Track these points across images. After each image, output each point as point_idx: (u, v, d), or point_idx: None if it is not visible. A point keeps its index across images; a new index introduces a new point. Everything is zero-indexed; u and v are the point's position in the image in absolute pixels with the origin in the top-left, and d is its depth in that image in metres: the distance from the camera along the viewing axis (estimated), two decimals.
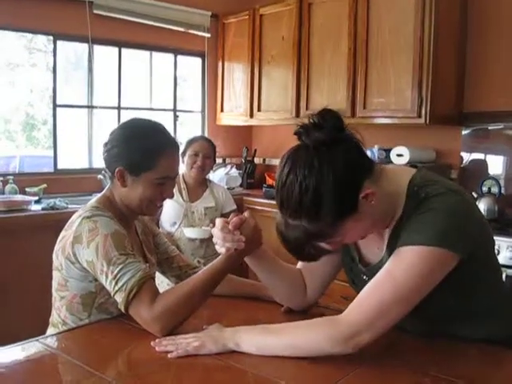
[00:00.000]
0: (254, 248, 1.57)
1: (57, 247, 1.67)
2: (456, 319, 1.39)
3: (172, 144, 1.73)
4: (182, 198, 3.39)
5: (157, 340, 1.39)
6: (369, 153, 3.74)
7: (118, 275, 1.49)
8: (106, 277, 1.51)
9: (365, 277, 1.45)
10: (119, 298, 1.49)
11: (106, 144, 1.72)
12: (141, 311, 1.47)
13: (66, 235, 1.64)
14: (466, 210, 1.31)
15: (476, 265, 1.32)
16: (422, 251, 1.24)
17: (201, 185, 3.51)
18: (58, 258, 1.65)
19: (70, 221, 1.68)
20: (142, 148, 1.65)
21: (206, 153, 3.42)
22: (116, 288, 1.49)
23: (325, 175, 1.19)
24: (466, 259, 1.27)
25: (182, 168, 3.40)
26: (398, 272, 1.25)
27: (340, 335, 1.25)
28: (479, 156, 3.88)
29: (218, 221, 1.52)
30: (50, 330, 1.70)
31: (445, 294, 1.31)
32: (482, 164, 3.85)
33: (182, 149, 3.32)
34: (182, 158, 3.36)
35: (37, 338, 1.43)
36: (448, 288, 1.29)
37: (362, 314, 1.25)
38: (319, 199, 1.20)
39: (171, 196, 1.74)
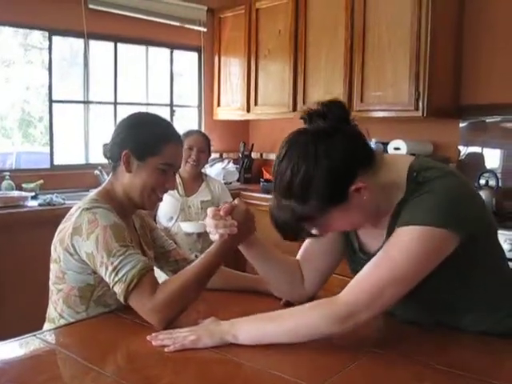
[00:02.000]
0: (247, 233, 1.56)
1: (55, 239, 1.67)
2: (457, 309, 1.39)
3: (178, 136, 1.78)
4: (178, 192, 3.38)
5: (153, 334, 1.38)
6: None
7: (119, 266, 1.50)
8: (106, 268, 1.51)
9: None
10: (119, 289, 1.49)
11: (112, 134, 1.76)
12: (141, 302, 1.48)
13: (64, 227, 1.64)
14: (466, 192, 1.31)
15: (476, 249, 1.31)
16: (420, 231, 1.23)
17: (196, 179, 3.50)
18: (56, 250, 1.64)
19: (69, 213, 1.68)
20: (149, 132, 1.70)
21: (201, 147, 3.42)
22: (116, 279, 1.49)
23: (318, 161, 1.23)
24: (465, 242, 1.26)
25: None
26: (396, 252, 1.25)
27: (337, 315, 1.25)
28: (477, 149, 3.87)
29: (210, 209, 1.53)
30: (47, 325, 1.69)
31: (444, 280, 1.31)
32: (480, 157, 3.85)
33: None
34: None
35: (34, 333, 1.43)
36: (448, 274, 1.29)
37: (359, 293, 1.26)
38: (308, 183, 1.23)
39: (173, 187, 1.76)
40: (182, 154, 1.81)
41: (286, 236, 1.36)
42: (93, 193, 1.74)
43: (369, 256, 1.44)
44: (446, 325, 1.41)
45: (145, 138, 1.69)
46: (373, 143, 3.90)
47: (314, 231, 1.35)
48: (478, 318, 1.39)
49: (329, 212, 1.27)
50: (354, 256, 1.52)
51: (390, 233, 1.33)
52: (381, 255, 1.28)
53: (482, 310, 1.39)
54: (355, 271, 1.49)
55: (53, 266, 1.67)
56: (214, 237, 1.52)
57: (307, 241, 1.63)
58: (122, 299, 1.50)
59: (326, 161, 1.23)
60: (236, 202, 1.57)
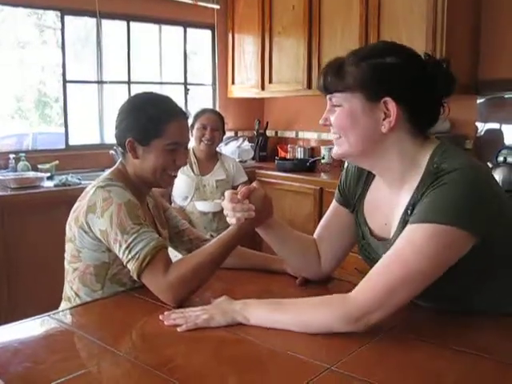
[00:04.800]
0: (264, 217, 1.55)
1: (70, 218, 1.68)
2: (474, 300, 1.35)
3: (178, 112, 1.75)
4: (193, 171, 3.38)
5: (165, 313, 1.38)
6: None
7: (132, 244, 1.51)
8: (120, 245, 1.52)
9: (373, 254, 1.44)
10: (132, 266, 1.51)
11: (116, 121, 1.75)
12: (154, 279, 1.49)
13: (79, 205, 1.65)
14: (483, 188, 1.24)
15: (496, 248, 1.27)
16: (433, 230, 1.19)
17: (211, 158, 3.49)
18: (71, 229, 1.66)
19: (84, 192, 1.69)
20: (148, 116, 1.68)
21: (214, 125, 3.40)
22: (129, 256, 1.51)
23: (405, 60, 1.32)
24: (483, 240, 1.21)
25: (192, 142, 3.38)
26: (408, 252, 1.21)
27: (349, 314, 1.23)
28: (495, 125, 3.81)
29: (227, 193, 1.52)
30: (63, 305, 1.71)
31: (462, 276, 1.27)
32: (498, 133, 3.79)
33: (190, 122, 3.30)
34: (191, 131, 3.34)
35: (49, 314, 1.43)
36: (465, 271, 1.25)
37: (370, 293, 1.22)
38: (381, 58, 1.31)
39: (184, 163, 1.76)
40: (187, 128, 1.79)
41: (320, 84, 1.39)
42: (106, 172, 1.75)
43: (377, 244, 1.43)
44: (463, 309, 1.37)
45: (144, 122, 1.68)
46: None
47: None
48: (497, 306, 1.35)
49: (355, 94, 1.30)
50: (362, 241, 1.51)
51: (402, 225, 1.30)
52: (393, 253, 1.24)
53: (503, 301, 1.35)
54: (368, 258, 1.48)
55: (68, 246, 1.68)
56: (231, 220, 1.51)
57: (324, 220, 1.63)
58: (135, 276, 1.51)
59: (403, 60, 1.30)
60: (254, 185, 1.55)
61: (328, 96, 1.37)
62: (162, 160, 1.69)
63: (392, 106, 1.28)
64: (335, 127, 1.36)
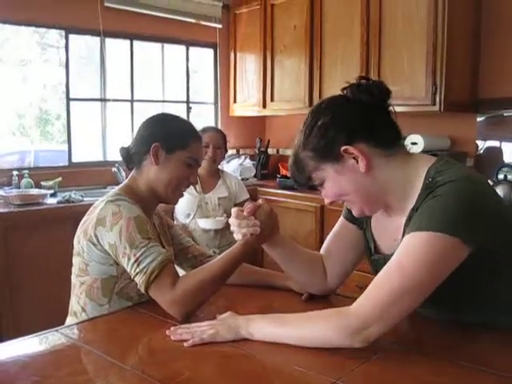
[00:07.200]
0: (270, 233, 1.57)
1: (78, 231, 1.70)
2: (476, 309, 1.36)
3: (199, 135, 1.86)
4: (196, 189, 3.39)
5: (172, 328, 1.40)
6: None
7: (141, 258, 1.53)
8: (129, 259, 1.54)
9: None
10: (140, 280, 1.53)
11: (138, 131, 1.83)
12: (161, 293, 1.51)
13: (88, 219, 1.68)
14: (479, 199, 1.25)
15: (494, 258, 1.28)
16: (430, 237, 1.20)
17: (213, 175, 3.51)
18: (79, 243, 1.68)
19: (92, 206, 1.72)
20: (178, 127, 1.80)
21: (217, 143, 3.42)
22: (138, 270, 1.53)
23: (324, 114, 1.36)
24: (481, 249, 1.22)
25: None
26: (406, 261, 1.22)
27: (349, 328, 1.23)
28: (495, 143, 3.84)
29: (234, 209, 1.54)
30: (69, 319, 1.72)
31: (462, 285, 1.29)
32: (498, 151, 3.82)
33: None
34: None
35: (56, 329, 1.45)
36: (463, 280, 1.26)
37: (370, 305, 1.23)
38: (311, 129, 1.36)
39: (196, 182, 1.83)
40: (203, 153, 1.85)
41: (295, 181, 1.47)
42: (116, 188, 1.79)
43: (383, 258, 1.45)
44: (469, 322, 1.38)
45: (175, 131, 1.78)
46: None
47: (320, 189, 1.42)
48: (496, 318, 1.36)
49: (323, 167, 1.36)
50: (370, 257, 1.53)
51: (403, 237, 1.31)
52: (391, 264, 1.25)
53: (501, 311, 1.36)
54: (374, 272, 1.50)
55: (75, 260, 1.70)
56: (237, 236, 1.53)
57: (332, 235, 1.65)
58: (143, 289, 1.54)
59: (332, 115, 1.35)
60: (260, 202, 1.58)
61: (310, 185, 1.44)
62: (180, 172, 1.75)
63: (351, 149, 1.32)
64: (335, 197, 1.42)
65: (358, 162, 1.32)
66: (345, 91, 1.39)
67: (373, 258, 1.52)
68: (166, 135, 1.75)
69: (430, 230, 1.21)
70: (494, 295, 1.35)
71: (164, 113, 1.92)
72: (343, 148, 1.32)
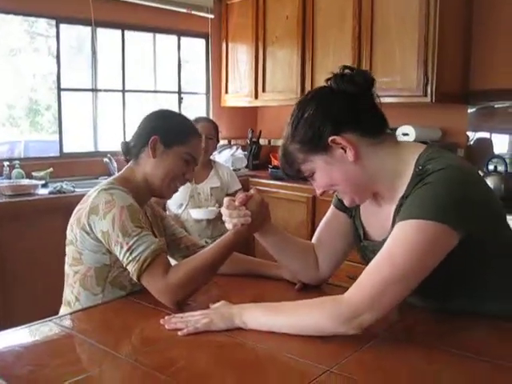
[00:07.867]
0: (261, 223, 1.59)
1: (72, 220, 1.71)
2: (465, 297, 1.38)
3: (199, 133, 1.87)
4: None
5: (166, 318, 1.41)
6: None
7: (133, 246, 1.54)
8: (121, 247, 1.55)
9: (371, 255, 1.46)
10: (132, 268, 1.54)
11: (140, 124, 1.84)
12: (153, 281, 1.53)
13: (81, 208, 1.68)
14: (469, 188, 1.27)
15: (483, 248, 1.30)
16: (420, 225, 1.22)
17: (205, 166, 3.51)
18: (72, 231, 1.68)
19: (86, 195, 1.73)
20: (178, 122, 1.82)
21: (208, 134, 3.42)
22: (130, 258, 1.54)
23: (315, 105, 1.36)
24: (470, 237, 1.24)
25: None
26: (396, 249, 1.23)
27: (342, 315, 1.25)
28: (485, 134, 3.87)
29: (225, 199, 1.56)
30: (63, 309, 1.72)
31: (451, 273, 1.30)
32: (488, 142, 3.84)
33: None
34: None
35: (50, 318, 1.45)
36: (454, 267, 1.28)
37: (362, 294, 1.24)
38: (298, 121, 1.36)
39: (191, 179, 1.84)
40: (201, 152, 1.89)
41: (285, 174, 1.46)
42: (110, 178, 1.80)
43: (372, 244, 1.47)
44: (453, 310, 1.41)
45: (175, 126, 1.79)
46: None
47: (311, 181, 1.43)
48: (488, 305, 1.38)
49: (312, 159, 1.36)
50: (359, 243, 1.55)
51: (393, 226, 1.32)
52: (382, 252, 1.26)
53: (493, 298, 1.38)
54: (363, 259, 1.52)
55: (69, 249, 1.71)
56: (229, 226, 1.55)
57: (323, 224, 1.67)
58: (135, 277, 1.55)
59: (319, 106, 1.36)
60: (251, 192, 1.60)
61: (300, 177, 1.44)
62: (176, 167, 1.76)
63: (339, 139, 1.33)
64: (326, 187, 1.42)
65: (346, 151, 1.33)
66: (329, 82, 1.40)
67: (362, 244, 1.53)
68: (166, 129, 1.76)
69: (421, 218, 1.22)
70: (483, 284, 1.37)
71: (166, 109, 1.93)
72: (330, 138, 1.33)
